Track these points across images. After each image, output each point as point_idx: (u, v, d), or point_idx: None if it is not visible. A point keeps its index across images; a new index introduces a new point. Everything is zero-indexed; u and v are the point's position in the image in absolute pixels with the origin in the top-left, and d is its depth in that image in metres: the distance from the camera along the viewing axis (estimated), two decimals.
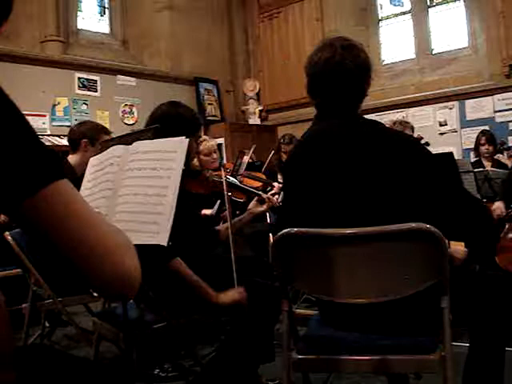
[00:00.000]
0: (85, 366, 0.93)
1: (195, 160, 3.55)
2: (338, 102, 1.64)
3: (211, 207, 3.19)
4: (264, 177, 4.08)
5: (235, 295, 2.01)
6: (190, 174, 2.24)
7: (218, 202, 3.16)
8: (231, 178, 3.03)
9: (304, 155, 1.70)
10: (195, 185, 2.29)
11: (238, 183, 2.88)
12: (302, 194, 1.68)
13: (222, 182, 2.39)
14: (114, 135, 3.01)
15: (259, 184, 3.77)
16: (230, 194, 2.39)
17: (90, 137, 3.07)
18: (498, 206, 3.56)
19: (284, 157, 4.68)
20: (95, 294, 2.69)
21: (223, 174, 2.41)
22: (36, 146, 0.69)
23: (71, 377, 0.87)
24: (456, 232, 1.59)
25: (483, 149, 4.88)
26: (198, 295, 1.96)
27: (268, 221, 3.54)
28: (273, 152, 4.79)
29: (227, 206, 2.29)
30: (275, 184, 3.91)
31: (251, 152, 4.27)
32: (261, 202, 2.49)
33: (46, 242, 0.70)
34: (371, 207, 1.54)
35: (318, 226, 1.48)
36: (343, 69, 1.61)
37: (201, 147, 3.69)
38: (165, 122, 2.05)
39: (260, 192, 2.68)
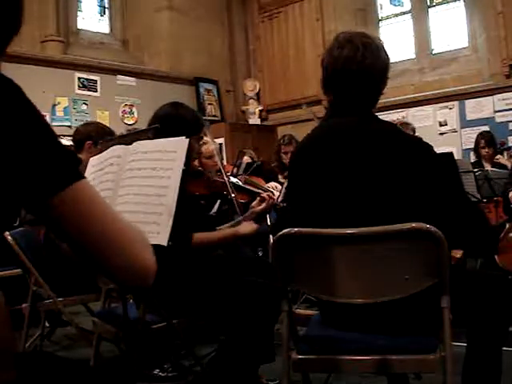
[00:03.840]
0: (84, 369, 0.93)
1: (196, 161, 3.55)
2: (353, 100, 1.63)
3: (212, 208, 3.19)
4: (264, 183, 4.07)
5: (253, 226, 2.23)
6: (191, 175, 2.24)
7: (218, 201, 3.16)
8: (233, 179, 3.03)
9: (312, 151, 1.69)
10: (196, 185, 2.29)
11: (239, 184, 2.87)
12: (308, 191, 1.68)
13: (223, 183, 2.39)
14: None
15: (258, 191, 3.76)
16: (233, 195, 2.39)
17: (95, 138, 3.02)
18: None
19: (284, 157, 4.67)
20: (95, 294, 2.69)
21: (225, 174, 2.41)
22: (59, 147, 0.73)
23: (71, 378, 0.87)
24: (454, 238, 1.59)
25: (483, 151, 4.88)
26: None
27: (268, 221, 3.54)
28: (261, 160, 4.79)
29: (238, 209, 2.31)
30: (271, 184, 3.91)
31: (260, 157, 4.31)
32: (262, 201, 2.50)
33: (69, 238, 0.74)
34: (378, 207, 1.54)
35: (322, 224, 1.48)
36: (363, 69, 1.60)
37: (202, 149, 3.69)
38: (166, 122, 2.05)
39: (261, 191, 2.68)
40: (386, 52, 1.67)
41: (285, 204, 2.97)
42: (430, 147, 1.60)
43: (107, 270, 0.77)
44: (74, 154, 0.76)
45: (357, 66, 1.60)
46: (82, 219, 0.72)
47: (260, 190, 2.70)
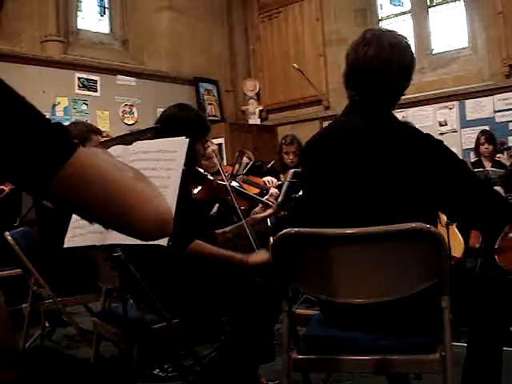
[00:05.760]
0: (85, 367, 0.93)
1: None
2: (374, 99, 1.63)
3: (211, 210, 3.19)
4: (261, 181, 4.07)
5: (264, 255, 2.14)
6: (194, 178, 2.24)
7: (217, 205, 3.16)
8: (234, 183, 3.03)
9: (323, 149, 1.70)
10: (199, 189, 2.29)
11: (241, 189, 2.87)
12: (318, 189, 1.68)
13: (225, 188, 2.38)
14: (113, 135, 3.00)
15: (256, 190, 3.75)
16: (234, 200, 2.39)
17: (79, 138, 3.01)
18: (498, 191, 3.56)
19: (285, 158, 4.66)
20: (95, 294, 2.68)
21: (226, 178, 2.41)
22: (46, 124, 0.70)
23: (72, 378, 0.87)
24: (479, 219, 1.62)
25: (483, 148, 4.89)
26: (232, 264, 2.09)
27: (268, 222, 3.54)
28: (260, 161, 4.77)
29: (241, 215, 2.30)
30: (271, 190, 3.90)
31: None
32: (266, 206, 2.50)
33: (80, 211, 0.74)
34: (389, 207, 1.54)
35: (332, 223, 1.49)
36: (388, 69, 1.59)
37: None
38: (170, 124, 2.05)
39: (264, 199, 2.67)
40: (411, 52, 1.66)
41: (285, 212, 2.97)
42: (441, 144, 1.60)
43: (128, 230, 0.76)
44: (61, 124, 0.73)
45: (381, 66, 1.59)
46: (88, 190, 0.70)
47: (263, 199, 2.69)
